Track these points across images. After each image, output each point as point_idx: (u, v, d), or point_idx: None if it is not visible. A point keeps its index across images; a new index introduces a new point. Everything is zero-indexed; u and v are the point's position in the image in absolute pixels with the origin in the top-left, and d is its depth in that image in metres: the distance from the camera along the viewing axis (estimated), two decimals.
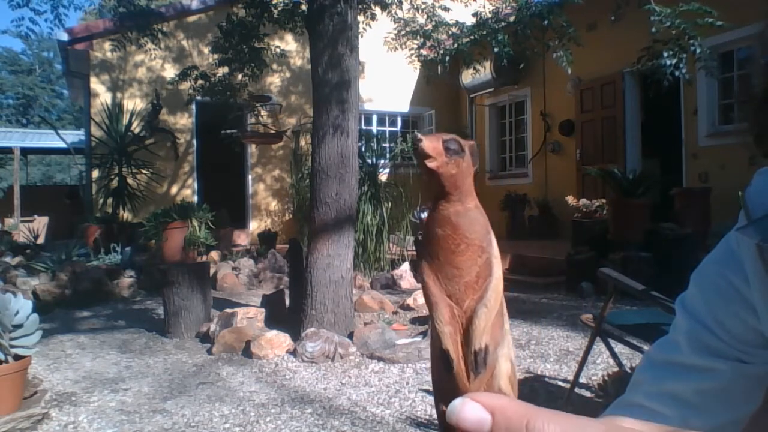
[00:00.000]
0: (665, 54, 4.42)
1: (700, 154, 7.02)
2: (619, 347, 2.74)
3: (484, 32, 6.06)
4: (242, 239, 9.48)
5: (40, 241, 11.20)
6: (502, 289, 0.38)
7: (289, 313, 4.57)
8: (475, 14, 6.30)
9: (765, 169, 0.58)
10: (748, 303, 0.56)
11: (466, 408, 0.27)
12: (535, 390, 3.00)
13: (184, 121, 9.64)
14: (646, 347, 2.49)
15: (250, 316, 4.29)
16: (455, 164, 0.38)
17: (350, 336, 3.88)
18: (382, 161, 7.93)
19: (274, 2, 6.12)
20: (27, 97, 34.97)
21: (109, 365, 3.69)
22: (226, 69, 6.70)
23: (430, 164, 0.37)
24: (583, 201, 6.96)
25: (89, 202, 9.63)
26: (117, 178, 8.60)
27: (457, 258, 0.38)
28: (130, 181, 8.69)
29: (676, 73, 4.44)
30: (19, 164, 14.50)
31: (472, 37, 6.37)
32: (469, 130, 11.03)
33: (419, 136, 0.37)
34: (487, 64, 8.77)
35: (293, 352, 3.71)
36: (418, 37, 7.08)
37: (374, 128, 11.05)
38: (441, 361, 0.37)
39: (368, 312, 4.91)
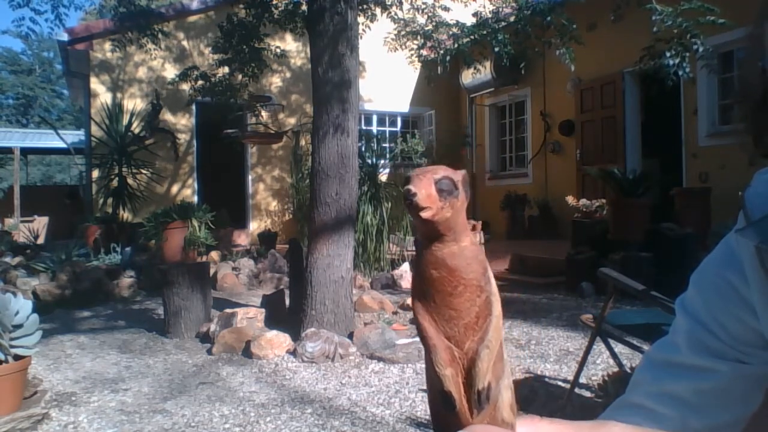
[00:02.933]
0: (668, 53, 4.42)
1: (700, 154, 7.02)
2: (619, 347, 2.74)
3: (485, 32, 6.06)
4: (242, 239, 9.49)
5: (40, 241, 11.20)
6: (501, 325, 0.38)
7: (289, 314, 4.57)
8: (475, 14, 6.31)
9: (765, 170, 0.58)
10: (748, 304, 0.56)
11: None
12: (535, 390, 3.00)
13: (184, 121, 9.64)
14: (646, 347, 2.49)
15: (250, 316, 4.29)
16: (450, 206, 0.36)
17: (350, 336, 3.88)
18: (382, 161, 7.94)
19: (274, 2, 6.12)
20: (27, 97, 34.97)
21: (109, 365, 3.69)
22: (226, 69, 6.71)
23: (426, 215, 0.35)
24: (583, 201, 6.96)
25: (89, 202, 9.63)
26: (117, 178, 8.60)
27: (455, 300, 0.37)
28: (130, 181, 8.69)
29: (680, 73, 4.44)
30: (19, 164, 14.50)
31: (472, 37, 6.37)
32: (469, 130, 11.05)
33: (412, 189, 0.35)
34: (487, 64, 8.77)
35: (293, 352, 3.71)
36: (419, 37, 7.09)
37: (374, 128, 11.05)
38: (442, 401, 0.37)
39: (368, 312, 4.91)
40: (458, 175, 0.37)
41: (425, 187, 0.35)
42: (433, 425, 0.39)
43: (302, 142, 9.60)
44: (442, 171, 0.36)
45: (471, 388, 0.36)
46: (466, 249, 0.37)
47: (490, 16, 6.25)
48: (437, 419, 0.38)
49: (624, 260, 5.15)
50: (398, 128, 11.46)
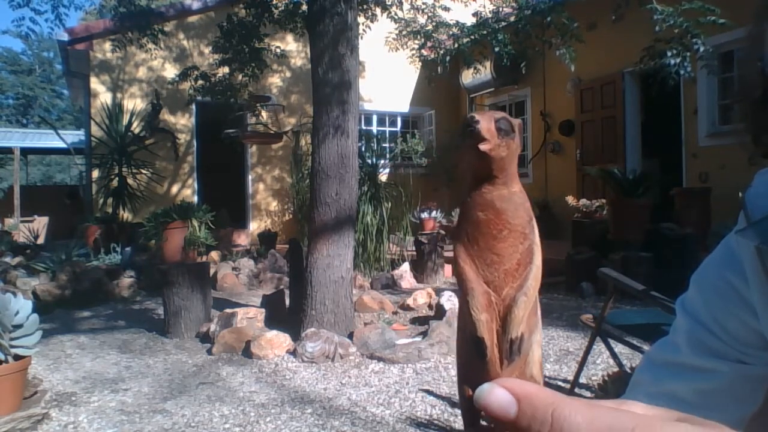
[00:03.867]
0: (669, 53, 4.42)
1: (700, 154, 7.02)
2: (619, 347, 2.74)
3: (485, 32, 6.07)
4: (242, 239, 9.48)
5: (40, 241, 11.20)
6: (540, 277, 0.37)
7: (289, 314, 4.57)
8: (475, 14, 6.31)
9: (765, 170, 0.58)
10: (748, 304, 0.56)
11: (494, 393, 0.27)
12: None
13: (184, 121, 9.64)
14: (646, 347, 2.48)
15: (250, 316, 4.29)
16: (506, 146, 0.36)
17: (350, 336, 3.88)
18: (382, 161, 7.93)
19: (274, 2, 6.13)
20: (27, 97, 34.98)
21: (109, 365, 3.69)
22: (226, 69, 6.71)
23: (484, 147, 0.35)
24: (583, 201, 6.96)
25: (89, 202, 9.63)
26: (117, 178, 8.60)
27: (498, 244, 0.37)
28: (130, 181, 8.69)
29: (681, 72, 4.44)
30: (19, 164, 14.50)
31: (472, 37, 6.38)
32: None
33: (476, 116, 0.36)
34: (488, 64, 8.77)
35: (293, 353, 3.71)
36: (419, 37, 7.09)
37: (374, 128, 11.05)
38: (474, 347, 0.37)
39: (368, 312, 4.91)
40: (516, 121, 0.37)
41: (486, 120, 0.35)
42: (459, 377, 0.38)
43: (302, 142, 9.60)
44: (501, 113, 0.36)
45: (504, 335, 0.36)
46: (515, 194, 0.37)
47: (490, 16, 6.25)
48: (465, 370, 0.37)
49: (624, 260, 5.15)
50: (398, 128, 11.46)
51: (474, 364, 0.36)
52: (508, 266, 0.36)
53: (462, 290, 0.38)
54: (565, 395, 0.27)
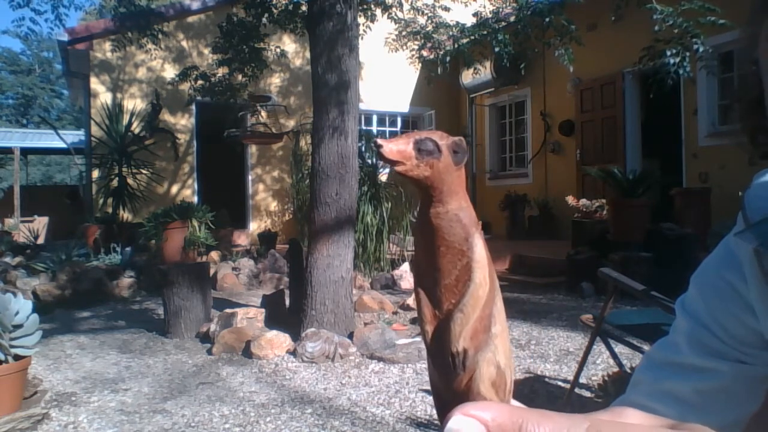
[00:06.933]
0: (668, 53, 4.42)
1: (700, 154, 7.02)
2: (619, 347, 2.74)
3: (485, 32, 6.08)
4: (242, 239, 9.48)
5: (40, 241, 11.20)
6: (484, 294, 0.39)
7: (289, 314, 4.57)
8: (475, 14, 6.31)
9: (763, 171, 0.58)
10: (748, 304, 0.56)
11: (463, 427, 0.28)
12: (535, 390, 3.00)
13: (184, 121, 9.64)
14: (646, 347, 2.49)
15: (250, 316, 4.29)
16: (428, 165, 0.37)
17: (350, 336, 3.88)
18: (382, 161, 7.92)
19: (274, 2, 6.13)
20: (27, 97, 34.98)
21: (109, 365, 3.69)
22: (226, 69, 6.71)
23: (398, 169, 0.37)
24: (583, 201, 6.96)
25: (89, 202, 9.63)
26: (117, 178, 8.60)
27: (438, 260, 0.39)
28: (130, 181, 8.69)
29: (680, 72, 4.44)
30: (19, 164, 14.50)
31: (472, 37, 6.38)
32: (469, 130, 11.05)
33: (379, 141, 0.37)
34: (488, 64, 8.78)
35: (293, 353, 3.71)
36: (419, 37, 7.10)
37: (374, 128, 11.06)
38: (427, 351, 0.40)
39: (368, 312, 4.91)
40: (445, 139, 0.38)
41: (400, 144, 0.37)
42: (432, 393, 0.41)
43: (302, 143, 9.60)
44: (427, 133, 0.37)
45: (444, 349, 0.38)
46: (450, 212, 0.38)
47: (490, 16, 6.26)
48: (431, 383, 0.40)
49: (624, 260, 5.15)
50: (398, 128, 11.47)
51: (434, 376, 0.39)
52: (447, 281, 0.38)
53: (415, 303, 0.40)
54: (528, 408, 0.28)
